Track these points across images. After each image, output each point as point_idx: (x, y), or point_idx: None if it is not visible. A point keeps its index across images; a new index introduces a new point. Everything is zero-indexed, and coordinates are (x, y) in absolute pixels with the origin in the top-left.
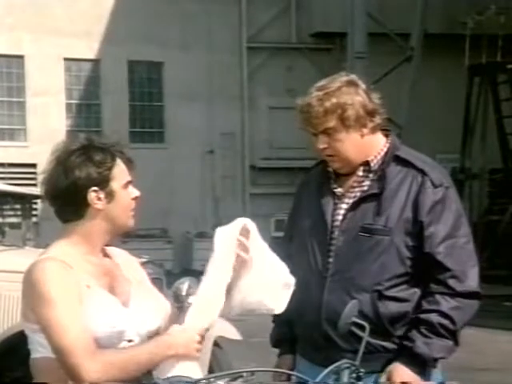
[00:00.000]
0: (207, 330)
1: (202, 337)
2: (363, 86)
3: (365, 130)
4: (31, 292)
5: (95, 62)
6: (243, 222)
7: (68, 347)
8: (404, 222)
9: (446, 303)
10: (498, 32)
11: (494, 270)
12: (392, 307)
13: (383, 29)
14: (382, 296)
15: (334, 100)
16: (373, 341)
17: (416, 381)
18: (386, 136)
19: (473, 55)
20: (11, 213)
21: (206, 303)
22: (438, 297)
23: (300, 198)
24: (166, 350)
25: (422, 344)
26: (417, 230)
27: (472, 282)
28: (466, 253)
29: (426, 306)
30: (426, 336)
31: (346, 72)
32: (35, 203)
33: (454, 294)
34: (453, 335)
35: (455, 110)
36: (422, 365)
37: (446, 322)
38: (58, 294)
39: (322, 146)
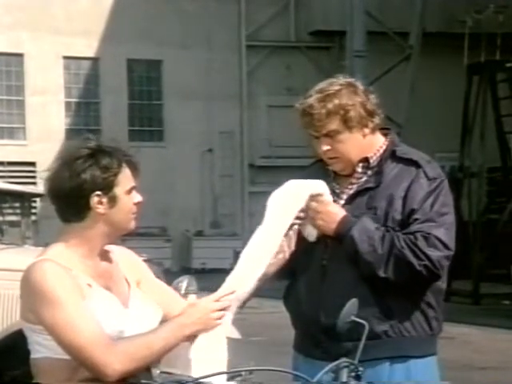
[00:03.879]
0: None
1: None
2: (361, 87)
3: (366, 130)
4: (31, 293)
5: (94, 61)
6: (314, 186)
7: (85, 346)
8: (395, 212)
9: (401, 240)
10: (497, 31)
11: (492, 268)
12: (390, 293)
13: (382, 27)
14: (378, 282)
15: (336, 101)
16: (374, 327)
17: (326, 225)
18: (385, 135)
19: (472, 54)
20: (10, 211)
21: (244, 269)
22: (404, 235)
23: None
24: (181, 331)
25: (367, 222)
26: (407, 219)
27: (433, 255)
28: (440, 236)
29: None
30: (377, 228)
31: (346, 71)
32: (34, 201)
33: (414, 244)
34: (377, 256)
35: (454, 109)
36: (345, 230)
37: (390, 245)
38: (63, 294)
39: (325, 149)
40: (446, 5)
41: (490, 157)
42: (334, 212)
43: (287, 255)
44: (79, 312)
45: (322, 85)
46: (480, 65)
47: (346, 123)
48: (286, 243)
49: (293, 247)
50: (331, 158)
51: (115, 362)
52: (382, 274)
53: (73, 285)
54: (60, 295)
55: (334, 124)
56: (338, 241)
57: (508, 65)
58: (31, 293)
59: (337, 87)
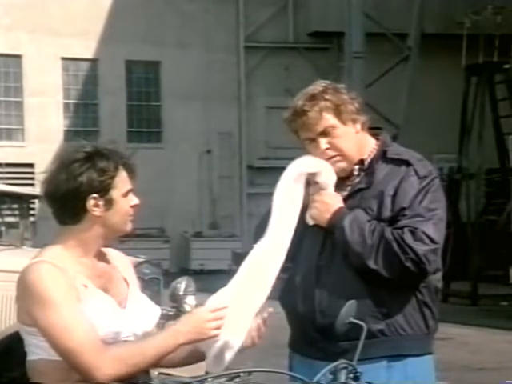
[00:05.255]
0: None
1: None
2: (344, 87)
3: (357, 126)
4: (27, 295)
5: (93, 62)
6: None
7: (77, 349)
8: (385, 209)
9: (389, 232)
10: (495, 32)
11: (491, 269)
12: (386, 292)
13: (380, 28)
14: (374, 281)
15: (326, 97)
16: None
17: (319, 214)
18: (376, 136)
19: (470, 55)
20: (9, 212)
21: (247, 280)
22: (390, 228)
23: None
24: (176, 339)
25: (359, 214)
26: (396, 216)
27: (419, 249)
28: (427, 230)
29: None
30: (368, 221)
31: (344, 72)
32: (33, 203)
33: (401, 238)
34: (366, 246)
35: (452, 110)
36: (337, 221)
37: (380, 236)
38: (58, 296)
39: (324, 147)
40: (445, 6)
41: (489, 158)
42: (329, 202)
43: (256, 340)
44: (73, 315)
45: (305, 90)
46: (478, 66)
47: (340, 117)
48: (254, 327)
49: (263, 329)
50: (332, 158)
51: (106, 367)
52: (371, 265)
53: (68, 287)
54: (55, 297)
55: (329, 119)
56: (330, 231)
57: (506, 66)
58: (27, 294)
59: (321, 87)
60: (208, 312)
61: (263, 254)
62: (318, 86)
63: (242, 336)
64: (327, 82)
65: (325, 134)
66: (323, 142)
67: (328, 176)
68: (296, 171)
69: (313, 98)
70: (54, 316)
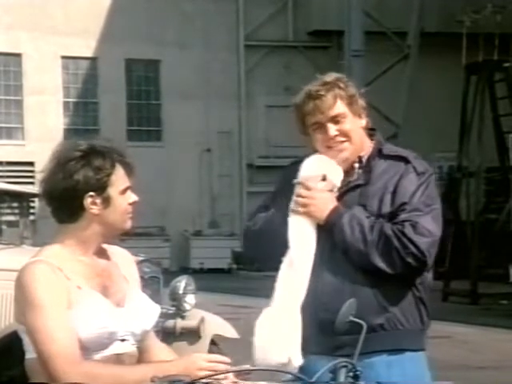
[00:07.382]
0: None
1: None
2: (352, 84)
3: (363, 122)
4: (21, 295)
5: (93, 61)
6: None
7: (53, 354)
8: (384, 206)
9: (389, 228)
10: (495, 30)
11: (491, 268)
12: (386, 287)
13: (380, 27)
14: (374, 276)
15: (341, 85)
16: (370, 321)
17: (318, 211)
18: (371, 136)
19: (469, 54)
20: (9, 211)
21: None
22: (389, 223)
23: (289, 183)
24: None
25: (357, 211)
26: (395, 212)
27: (420, 242)
28: (426, 224)
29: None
30: (367, 217)
31: (344, 71)
32: (33, 201)
33: (401, 232)
34: (367, 243)
35: (452, 109)
36: (335, 219)
37: (379, 233)
38: (46, 300)
39: (333, 134)
40: (444, 5)
41: (488, 157)
42: (328, 200)
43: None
44: (58, 320)
45: (318, 79)
46: (478, 65)
47: (351, 107)
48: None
49: None
50: (340, 142)
51: (73, 378)
52: (373, 261)
53: (61, 290)
54: (44, 301)
55: (341, 107)
56: (328, 229)
57: (506, 64)
58: (21, 294)
59: (335, 76)
60: (204, 361)
61: (291, 268)
62: (332, 76)
63: (299, 351)
64: (339, 74)
65: (335, 120)
66: (332, 129)
67: (335, 177)
68: (307, 174)
69: (327, 83)
70: (39, 319)
